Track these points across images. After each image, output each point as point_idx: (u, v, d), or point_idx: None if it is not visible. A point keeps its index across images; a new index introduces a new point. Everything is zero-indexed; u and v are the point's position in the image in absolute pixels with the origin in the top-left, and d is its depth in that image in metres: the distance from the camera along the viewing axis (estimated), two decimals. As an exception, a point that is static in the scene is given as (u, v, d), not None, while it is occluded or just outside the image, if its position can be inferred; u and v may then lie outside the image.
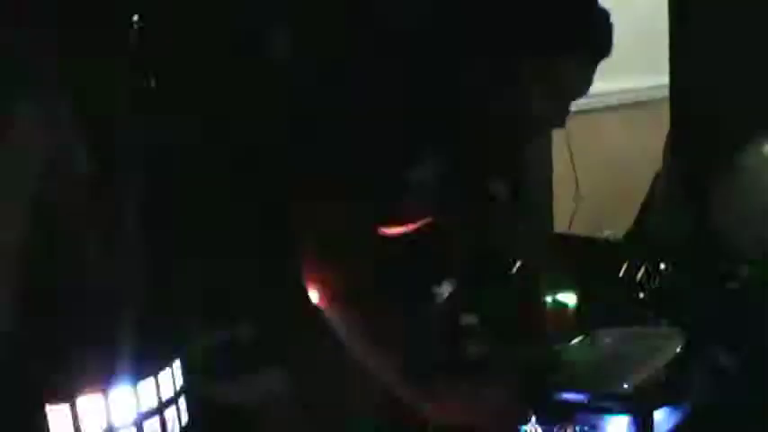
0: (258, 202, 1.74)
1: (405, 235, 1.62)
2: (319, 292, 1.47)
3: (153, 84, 1.69)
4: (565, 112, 1.56)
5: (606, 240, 2.91)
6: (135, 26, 1.64)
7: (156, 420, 1.29)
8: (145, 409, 1.27)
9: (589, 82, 1.55)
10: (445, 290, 1.95)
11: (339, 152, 1.49)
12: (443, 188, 1.61)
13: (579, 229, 2.87)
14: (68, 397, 1.21)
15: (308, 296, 1.48)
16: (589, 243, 2.52)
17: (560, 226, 2.99)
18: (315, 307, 1.47)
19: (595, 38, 1.51)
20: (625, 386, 1.40)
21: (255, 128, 2.02)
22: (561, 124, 1.57)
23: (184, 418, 1.35)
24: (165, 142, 1.65)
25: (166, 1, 1.71)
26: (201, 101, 1.76)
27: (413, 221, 1.63)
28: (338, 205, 1.47)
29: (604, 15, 1.52)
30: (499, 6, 1.51)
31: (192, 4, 1.71)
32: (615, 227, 2.90)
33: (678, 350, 1.51)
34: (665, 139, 2.45)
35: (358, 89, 1.55)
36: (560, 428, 1.37)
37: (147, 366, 1.29)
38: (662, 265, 1.92)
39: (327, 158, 1.51)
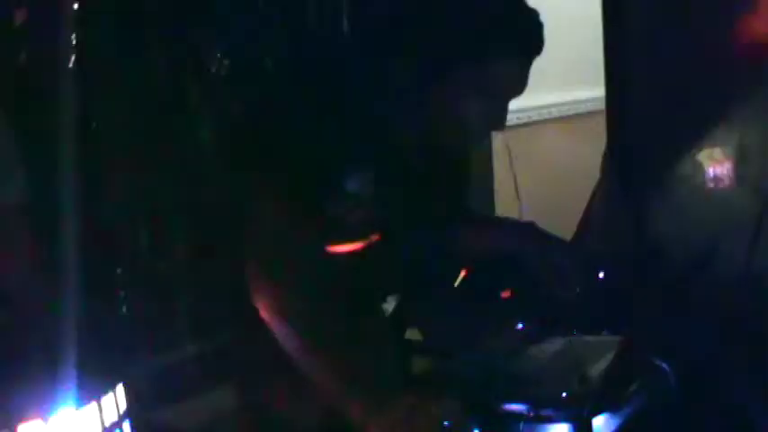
0: (202, 220, 1.74)
1: (350, 251, 1.62)
2: (265, 307, 1.48)
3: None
4: (502, 112, 1.55)
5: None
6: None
7: (99, 445, 1.28)
8: (87, 434, 1.26)
9: (523, 81, 1.54)
10: (390, 305, 1.96)
11: (280, 168, 1.50)
12: (384, 200, 1.61)
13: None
14: (8, 423, 1.20)
15: (255, 312, 1.48)
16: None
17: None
18: (262, 323, 1.48)
19: (524, 36, 1.51)
20: (563, 394, 1.43)
21: (201, 144, 2.01)
22: (500, 126, 1.57)
23: (129, 442, 1.34)
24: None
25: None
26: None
27: (359, 239, 1.63)
28: (282, 222, 1.48)
29: (532, 14, 1.53)
30: (426, 7, 1.52)
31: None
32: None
33: (617, 357, 1.53)
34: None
35: (290, 101, 1.55)
36: (504, 440, 1.39)
37: (89, 391, 1.28)
38: (601, 274, 1.96)
39: (269, 175, 1.52)
